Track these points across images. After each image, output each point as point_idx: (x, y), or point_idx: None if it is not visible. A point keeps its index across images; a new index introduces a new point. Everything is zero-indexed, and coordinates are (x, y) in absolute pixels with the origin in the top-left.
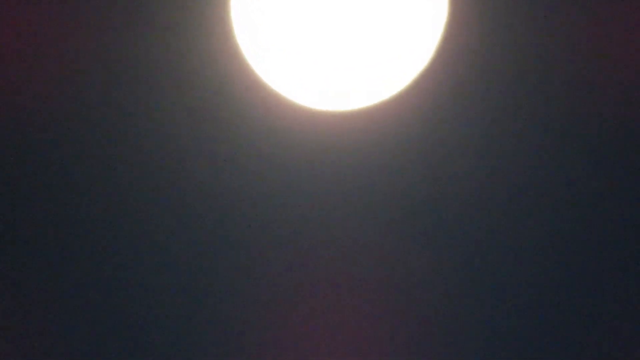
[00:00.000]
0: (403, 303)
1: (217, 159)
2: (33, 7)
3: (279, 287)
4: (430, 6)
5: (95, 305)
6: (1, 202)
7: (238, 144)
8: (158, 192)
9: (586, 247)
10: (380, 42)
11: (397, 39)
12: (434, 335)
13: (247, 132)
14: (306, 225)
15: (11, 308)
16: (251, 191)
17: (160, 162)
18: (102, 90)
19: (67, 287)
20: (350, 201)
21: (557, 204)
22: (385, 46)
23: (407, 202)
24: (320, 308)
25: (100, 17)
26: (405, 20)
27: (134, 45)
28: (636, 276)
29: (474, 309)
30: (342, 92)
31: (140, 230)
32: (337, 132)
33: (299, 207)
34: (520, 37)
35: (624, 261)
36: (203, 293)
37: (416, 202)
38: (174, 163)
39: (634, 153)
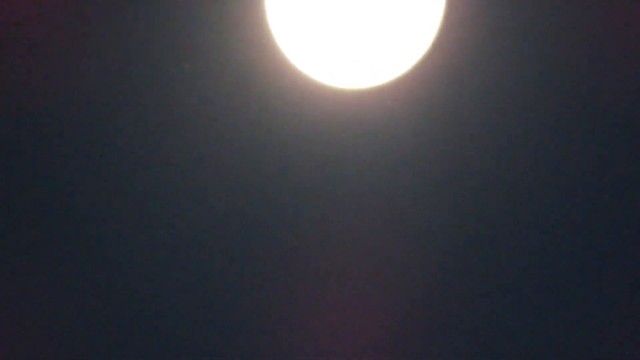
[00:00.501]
0: (417, 280)
1: (243, 131)
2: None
3: (314, 262)
4: None
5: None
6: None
7: (265, 118)
8: (190, 170)
9: (586, 241)
10: (388, 25)
11: (402, 23)
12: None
13: (270, 105)
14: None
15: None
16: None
17: (196, 142)
18: (140, 74)
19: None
20: (360, 167)
21: (554, 187)
22: (392, 29)
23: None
24: (350, 277)
25: (135, 10)
26: (408, 5)
27: (170, 30)
28: None
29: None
30: (356, 71)
31: (180, 217)
32: (352, 108)
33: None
34: (519, 23)
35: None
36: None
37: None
38: (212, 141)
39: (629, 146)
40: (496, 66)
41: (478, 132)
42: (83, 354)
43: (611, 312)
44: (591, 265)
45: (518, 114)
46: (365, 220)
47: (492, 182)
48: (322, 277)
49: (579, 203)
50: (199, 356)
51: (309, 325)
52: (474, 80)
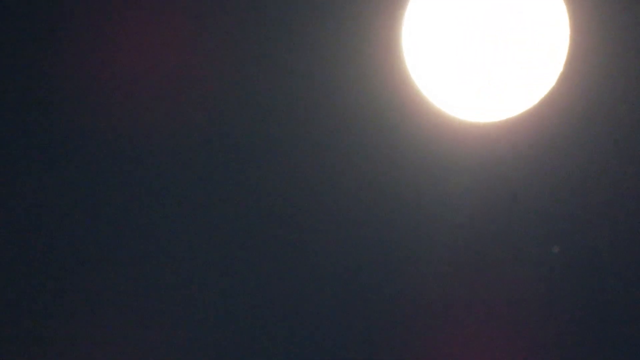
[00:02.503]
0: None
1: (382, 162)
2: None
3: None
4: (553, 34)
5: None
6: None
7: (400, 151)
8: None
9: None
10: (517, 60)
11: (529, 62)
12: None
13: (405, 138)
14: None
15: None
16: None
17: (335, 167)
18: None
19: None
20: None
21: None
22: (520, 64)
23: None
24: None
25: (280, 41)
26: (533, 45)
27: (321, 66)
28: None
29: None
30: (486, 107)
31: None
32: (482, 141)
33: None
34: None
35: None
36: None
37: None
38: (351, 168)
39: None
40: (622, 98)
41: (606, 164)
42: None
43: None
44: None
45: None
46: (496, 248)
47: (621, 213)
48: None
49: None
50: None
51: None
52: (600, 113)
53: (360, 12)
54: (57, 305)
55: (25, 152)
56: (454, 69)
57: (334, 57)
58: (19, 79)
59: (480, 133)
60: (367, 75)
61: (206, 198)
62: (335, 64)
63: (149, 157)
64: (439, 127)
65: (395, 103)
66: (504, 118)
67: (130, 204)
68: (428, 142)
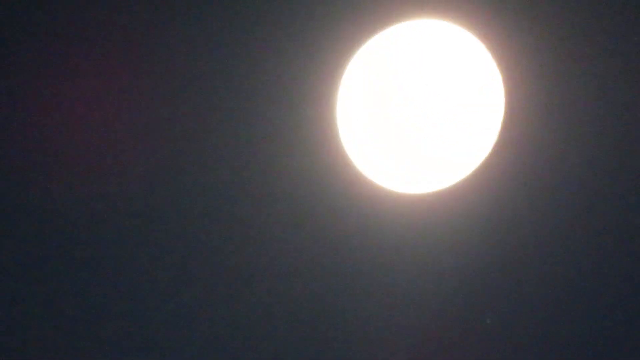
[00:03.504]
0: None
1: (319, 232)
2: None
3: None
4: (489, 102)
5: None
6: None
7: (333, 222)
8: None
9: None
10: (449, 136)
11: (462, 132)
12: None
13: (338, 209)
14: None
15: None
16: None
17: (272, 238)
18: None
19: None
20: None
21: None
22: (453, 138)
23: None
24: None
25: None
26: (467, 116)
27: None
28: None
29: None
30: (419, 178)
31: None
32: (415, 212)
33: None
34: (578, 129)
35: None
36: None
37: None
38: (286, 236)
39: None
40: (555, 171)
41: (538, 236)
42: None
43: None
44: None
45: (581, 219)
46: (428, 323)
47: (558, 286)
48: None
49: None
50: None
51: None
52: (533, 184)
53: (294, 82)
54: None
55: None
56: (387, 141)
57: (265, 128)
58: None
59: (413, 205)
60: (300, 146)
61: None
62: (266, 135)
63: None
64: (371, 199)
65: (328, 176)
66: (437, 189)
67: None
68: (360, 215)
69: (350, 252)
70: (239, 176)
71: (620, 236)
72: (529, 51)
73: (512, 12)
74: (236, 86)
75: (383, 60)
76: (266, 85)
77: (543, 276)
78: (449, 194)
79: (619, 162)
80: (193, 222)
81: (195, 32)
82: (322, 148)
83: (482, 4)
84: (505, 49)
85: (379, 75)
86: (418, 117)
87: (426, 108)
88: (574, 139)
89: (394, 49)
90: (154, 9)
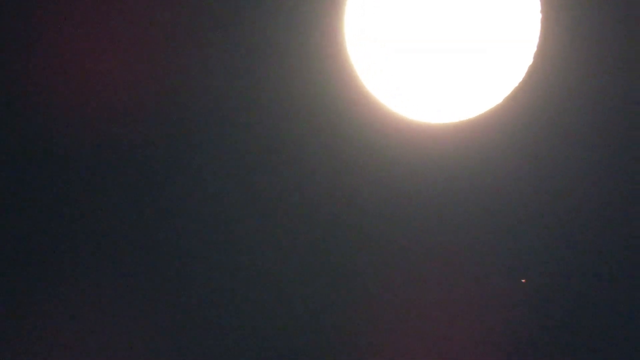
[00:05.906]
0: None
1: (331, 163)
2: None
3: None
4: (523, 27)
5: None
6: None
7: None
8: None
9: None
10: (477, 60)
11: (492, 59)
12: None
13: (355, 139)
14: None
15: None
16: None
17: (280, 167)
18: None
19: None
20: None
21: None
22: (482, 66)
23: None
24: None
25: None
26: (500, 40)
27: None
28: None
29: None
30: (443, 107)
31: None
32: (438, 143)
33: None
34: (612, 57)
35: None
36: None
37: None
38: (299, 170)
39: None
40: (586, 102)
41: (565, 166)
42: None
43: None
44: None
45: (610, 148)
46: (456, 255)
47: (584, 213)
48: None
49: None
50: None
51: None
52: (564, 115)
53: (301, 6)
54: None
55: None
56: (406, 66)
57: (274, 55)
58: None
59: (436, 135)
60: (310, 75)
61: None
62: (277, 62)
63: None
64: (390, 129)
65: (342, 105)
66: (465, 118)
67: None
68: (381, 146)
69: (377, 188)
70: (249, 107)
71: None
72: None
73: None
74: (241, 12)
75: None
76: (272, 7)
77: (571, 210)
78: (477, 124)
79: None
80: (201, 152)
81: None
82: (332, 74)
83: None
84: None
85: None
86: (442, 39)
87: (451, 28)
88: (609, 69)
89: None
90: None
